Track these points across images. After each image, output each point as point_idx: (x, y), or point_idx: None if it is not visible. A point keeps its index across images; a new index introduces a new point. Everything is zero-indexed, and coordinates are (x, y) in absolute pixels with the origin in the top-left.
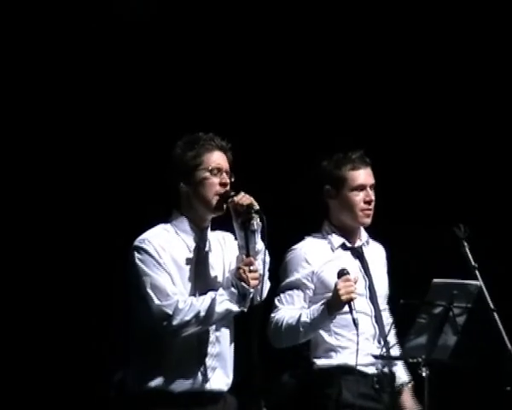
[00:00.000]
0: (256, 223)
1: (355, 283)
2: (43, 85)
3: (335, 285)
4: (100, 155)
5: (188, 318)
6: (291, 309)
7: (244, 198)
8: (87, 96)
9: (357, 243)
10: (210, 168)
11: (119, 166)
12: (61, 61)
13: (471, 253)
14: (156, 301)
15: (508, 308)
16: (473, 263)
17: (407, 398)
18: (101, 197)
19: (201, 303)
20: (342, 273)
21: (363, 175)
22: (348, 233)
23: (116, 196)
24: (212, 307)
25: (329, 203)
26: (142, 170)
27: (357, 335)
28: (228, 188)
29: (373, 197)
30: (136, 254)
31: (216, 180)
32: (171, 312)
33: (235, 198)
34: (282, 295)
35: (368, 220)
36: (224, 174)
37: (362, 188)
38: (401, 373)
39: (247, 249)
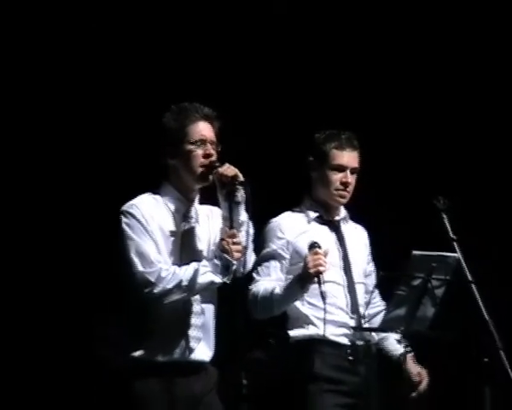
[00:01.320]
0: (240, 194)
1: (325, 255)
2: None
3: (305, 258)
4: (92, 129)
5: (170, 286)
6: (268, 281)
7: (229, 169)
8: (73, 74)
9: (335, 218)
10: (193, 140)
11: (110, 137)
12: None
13: (450, 225)
14: (139, 268)
15: (486, 280)
16: (452, 235)
17: (411, 366)
18: (93, 169)
19: (184, 273)
20: (312, 246)
21: (346, 157)
22: (326, 208)
23: (107, 168)
24: (194, 277)
25: (312, 176)
26: (134, 142)
27: (325, 308)
28: (214, 158)
29: (350, 180)
30: (124, 219)
31: (200, 152)
32: (153, 279)
33: (220, 169)
34: (259, 267)
35: (341, 201)
36: (209, 145)
37: (341, 169)
38: (394, 346)
39: (230, 221)
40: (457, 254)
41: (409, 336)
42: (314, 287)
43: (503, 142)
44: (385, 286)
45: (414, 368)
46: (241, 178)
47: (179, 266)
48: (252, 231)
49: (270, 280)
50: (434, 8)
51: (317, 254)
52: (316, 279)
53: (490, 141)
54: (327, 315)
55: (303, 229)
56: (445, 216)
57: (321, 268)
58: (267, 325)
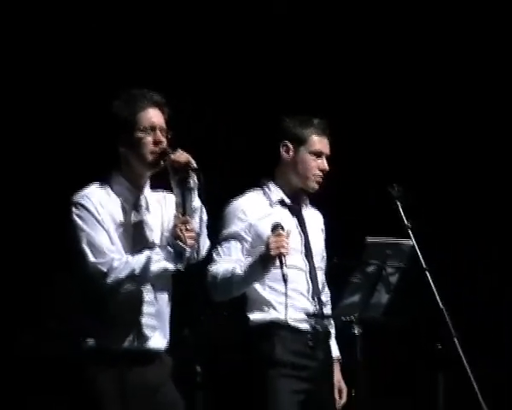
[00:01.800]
0: (193, 181)
1: (288, 237)
2: None
3: (267, 239)
4: (43, 114)
5: (122, 275)
6: (228, 261)
7: (181, 156)
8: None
9: (296, 202)
10: (143, 127)
11: (60, 126)
12: None
13: (404, 212)
14: (91, 259)
15: (440, 267)
16: (406, 223)
17: (336, 373)
18: (42, 158)
19: (137, 261)
20: (276, 227)
21: (324, 143)
22: (290, 192)
23: (56, 157)
24: (147, 265)
25: (281, 159)
26: (82, 130)
27: (286, 292)
28: (164, 144)
29: (327, 168)
30: (75, 210)
31: (150, 139)
32: (105, 269)
33: (172, 155)
34: (219, 247)
35: (316, 186)
36: (159, 132)
37: (319, 154)
38: (333, 346)
39: (183, 207)
40: (412, 242)
41: (363, 322)
42: (275, 271)
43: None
44: (339, 273)
45: (337, 379)
46: (194, 164)
47: (132, 255)
48: (205, 217)
49: (230, 261)
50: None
51: (279, 235)
52: (278, 262)
53: (448, 129)
54: (288, 300)
55: (265, 212)
56: (399, 203)
57: (283, 250)
58: (225, 309)
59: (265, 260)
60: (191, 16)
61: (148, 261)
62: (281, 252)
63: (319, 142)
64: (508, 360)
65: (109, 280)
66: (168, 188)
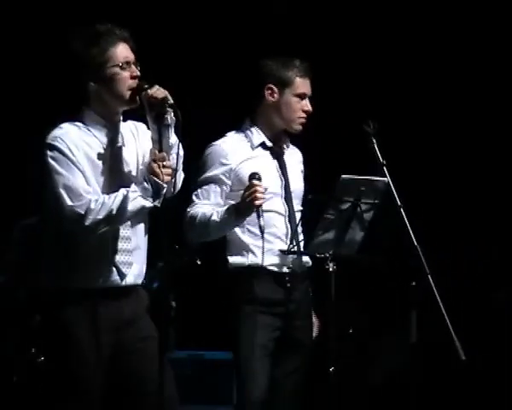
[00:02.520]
0: (170, 117)
1: (265, 191)
2: None
3: (244, 189)
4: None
5: (100, 217)
6: (206, 204)
7: (158, 91)
8: None
9: (278, 144)
10: (118, 63)
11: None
12: None
13: (379, 149)
14: (68, 202)
15: (415, 205)
16: (381, 160)
17: None
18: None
19: (113, 201)
20: (253, 177)
21: (307, 85)
22: (272, 134)
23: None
24: (124, 203)
25: (264, 102)
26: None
27: (262, 239)
28: (140, 80)
29: (311, 109)
30: (48, 153)
31: (126, 74)
32: (82, 212)
33: (149, 91)
34: (198, 189)
35: (300, 128)
36: (133, 66)
37: (303, 96)
38: None
39: (160, 144)
40: (386, 179)
41: (337, 259)
42: (254, 215)
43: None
44: (313, 209)
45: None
46: (171, 100)
47: (108, 193)
48: (182, 152)
49: (209, 204)
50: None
51: (254, 186)
52: (254, 211)
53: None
54: (266, 244)
55: (247, 155)
56: (374, 140)
57: (257, 202)
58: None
59: (240, 209)
60: (189, 15)
61: (126, 200)
62: (254, 204)
63: (303, 83)
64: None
65: (87, 222)
66: (139, 120)
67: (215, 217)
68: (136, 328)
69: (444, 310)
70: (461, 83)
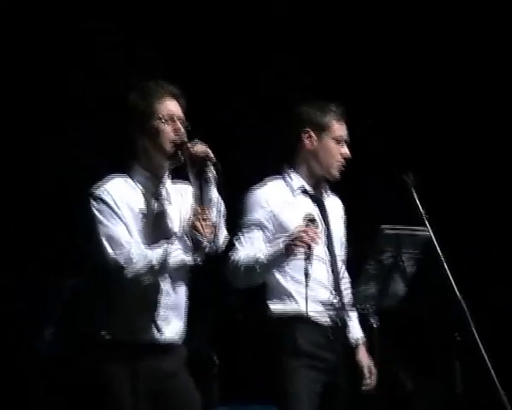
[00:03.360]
0: (211, 173)
1: (318, 232)
2: None
3: (297, 229)
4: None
5: (140, 268)
6: (249, 249)
7: (199, 147)
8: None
9: (318, 191)
10: (162, 117)
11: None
12: None
13: (420, 201)
14: (110, 252)
15: (457, 256)
16: (422, 211)
17: (364, 355)
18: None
19: (154, 254)
20: (308, 219)
21: (344, 129)
22: (312, 180)
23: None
24: (165, 257)
25: (303, 147)
26: (100, 123)
27: (306, 285)
28: (183, 135)
29: (349, 154)
30: (94, 203)
31: (170, 128)
32: (123, 262)
33: (190, 147)
34: (240, 234)
35: (338, 174)
36: (178, 122)
37: (341, 140)
38: (356, 328)
39: (201, 199)
40: (428, 230)
41: (379, 312)
42: (297, 261)
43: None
44: (354, 261)
45: (364, 359)
46: (212, 155)
47: (150, 247)
48: (223, 208)
49: (252, 249)
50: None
51: (311, 228)
52: (304, 254)
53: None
54: (309, 292)
55: (287, 200)
56: (414, 192)
57: (312, 244)
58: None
59: (290, 249)
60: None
61: (166, 253)
62: (309, 245)
63: (340, 128)
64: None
65: (127, 273)
66: (188, 180)
67: (261, 257)
68: (174, 384)
69: (489, 362)
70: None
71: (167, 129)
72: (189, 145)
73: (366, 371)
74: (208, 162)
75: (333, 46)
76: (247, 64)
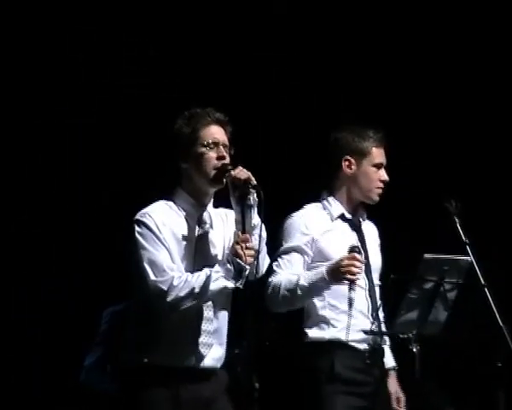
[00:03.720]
0: (253, 198)
1: (362, 262)
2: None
3: (341, 259)
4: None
5: (182, 294)
6: (289, 273)
7: (241, 172)
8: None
9: (356, 217)
10: (206, 143)
11: (122, 144)
12: None
13: (462, 228)
14: (152, 277)
15: (499, 284)
16: (464, 239)
17: (393, 383)
18: (107, 175)
19: (196, 279)
20: (353, 250)
21: (383, 154)
22: (350, 206)
23: (121, 172)
24: (207, 283)
25: (342, 174)
26: (146, 148)
27: (351, 315)
28: (227, 161)
29: (388, 178)
30: (137, 228)
31: (213, 154)
32: (166, 288)
33: (233, 172)
34: (280, 259)
35: (378, 198)
36: (221, 147)
37: (380, 166)
38: (388, 357)
39: (243, 224)
40: (470, 258)
41: (421, 339)
42: (336, 288)
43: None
44: (396, 289)
45: (394, 389)
46: (254, 181)
47: (192, 272)
48: (265, 234)
49: (292, 273)
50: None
51: (355, 259)
52: (348, 284)
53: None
54: (347, 318)
55: (326, 227)
56: (457, 220)
57: (357, 275)
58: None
59: (333, 277)
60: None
61: (208, 279)
62: (353, 276)
63: (379, 153)
64: None
65: (169, 298)
66: (229, 206)
67: (303, 281)
68: (214, 408)
69: None
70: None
71: (210, 154)
72: (231, 171)
73: (394, 398)
74: (251, 188)
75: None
76: (285, 91)
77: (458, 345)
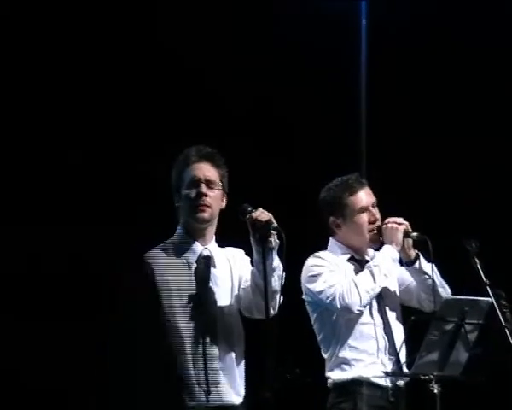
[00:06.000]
0: (274, 240)
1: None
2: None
3: (386, 223)
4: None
5: None
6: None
7: (263, 214)
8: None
9: (365, 258)
10: (186, 183)
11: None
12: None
13: (482, 269)
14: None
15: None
16: (484, 279)
17: None
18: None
19: None
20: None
21: (363, 196)
22: (356, 250)
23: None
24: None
25: (335, 233)
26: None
27: (366, 352)
28: (204, 199)
29: (377, 215)
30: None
31: (193, 194)
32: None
33: (254, 214)
34: (322, 282)
35: (375, 238)
36: (202, 185)
37: (366, 209)
38: None
39: (264, 266)
40: (490, 299)
41: (442, 380)
42: (355, 329)
43: None
44: (417, 330)
45: None
46: (275, 223)
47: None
48: (283, 275)
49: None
50: None
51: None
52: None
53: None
54: (368, 357)
55: (338, 266)
56: (477, 260)
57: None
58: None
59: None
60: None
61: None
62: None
63: (359, 198)
64: None
65: None
66: (231, 244)
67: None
68: None
69: None
70: None
71: (191, 195)
72: (252, 213)
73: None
74: (272, 230)
75: None
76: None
77: (480, 386)
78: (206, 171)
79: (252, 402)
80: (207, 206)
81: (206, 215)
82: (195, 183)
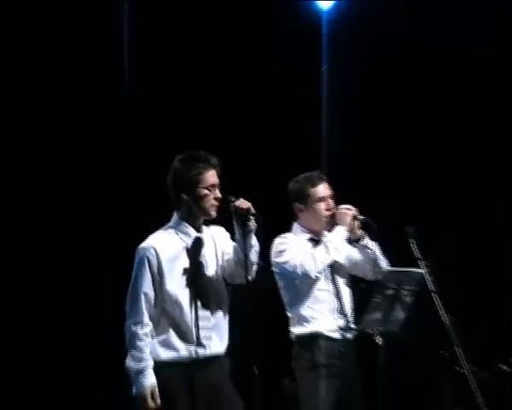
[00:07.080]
0: (252, 224)
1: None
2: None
3: (340, 210)
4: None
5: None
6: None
7: (243, 203)
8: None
9: (322, 239)
10: (207, 186)
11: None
12: None
13: (417, 247)
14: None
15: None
16: (417, 255)
17: None
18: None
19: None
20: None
21: (322, 189)
22: (314, 232)
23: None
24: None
25: (296, 217)
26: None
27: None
28: (219, 200)
29: (332, 206)
30: (137, 259)
31: (211, 195)
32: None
33: (236, 203)
34: (286, 256)
35: (332, 225)
36: (217, 190)
37: (322, 199)
38: None
39: (244, 244)
40: (422, 270)
41: (384, 334)
42: (313, 294)
43: None
44: (364, 295)
45: None
46: (253, 210)
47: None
48: (258, 249)
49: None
50: None
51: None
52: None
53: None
54: (322, 316)
55: (301, 246)
56: (412, 240)
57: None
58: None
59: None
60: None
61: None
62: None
63: (319, 190)
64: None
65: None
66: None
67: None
68: (220, 391)
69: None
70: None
71: (210, 195)
72: (235, 202)
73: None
74: (250, 215)
75: None
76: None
77: (413, 338)
78: (217, 177)
79: (231, 351)
80: (218, 207)
81: (215, 214)
82: (214, 186)
